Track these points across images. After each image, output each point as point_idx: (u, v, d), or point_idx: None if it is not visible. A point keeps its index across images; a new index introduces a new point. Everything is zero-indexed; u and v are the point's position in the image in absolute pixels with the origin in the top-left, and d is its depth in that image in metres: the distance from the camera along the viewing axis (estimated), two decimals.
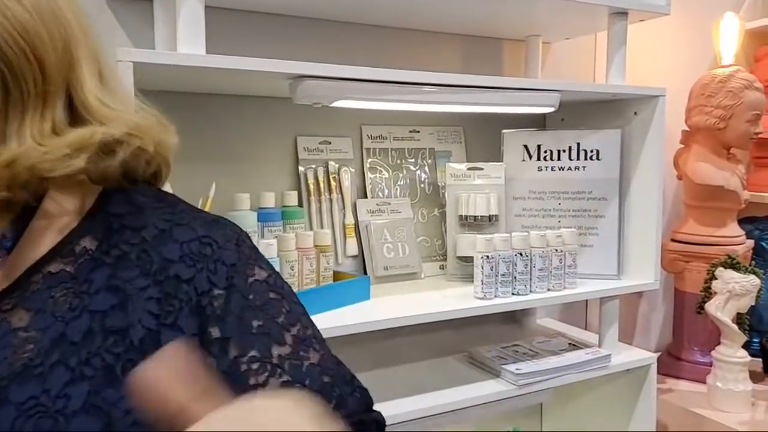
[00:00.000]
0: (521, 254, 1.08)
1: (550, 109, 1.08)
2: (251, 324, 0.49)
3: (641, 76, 1.53)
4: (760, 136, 1.42)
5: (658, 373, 1.28)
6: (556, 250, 1.11)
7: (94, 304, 0.47)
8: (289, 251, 0.99)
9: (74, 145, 0.47)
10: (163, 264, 0.49)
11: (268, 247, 0.93)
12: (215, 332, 0.48)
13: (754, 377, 1.39)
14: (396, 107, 1.03)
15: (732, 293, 1.28)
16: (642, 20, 1.23)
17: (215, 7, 1.07)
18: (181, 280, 0.48)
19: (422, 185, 1.30)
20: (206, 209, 0.94)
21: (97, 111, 0.50)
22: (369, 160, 1.26)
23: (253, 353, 0.48)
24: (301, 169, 1.17)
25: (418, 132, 1.31)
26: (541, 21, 1.23)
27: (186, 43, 0.78)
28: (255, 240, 1.01)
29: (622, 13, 1.15)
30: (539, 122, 1.40)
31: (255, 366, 0.48)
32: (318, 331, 0.54)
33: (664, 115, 1.19)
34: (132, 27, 1.02)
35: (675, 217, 1.63)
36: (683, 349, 1.48)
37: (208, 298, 0.48)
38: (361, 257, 1.21)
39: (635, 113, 1.23)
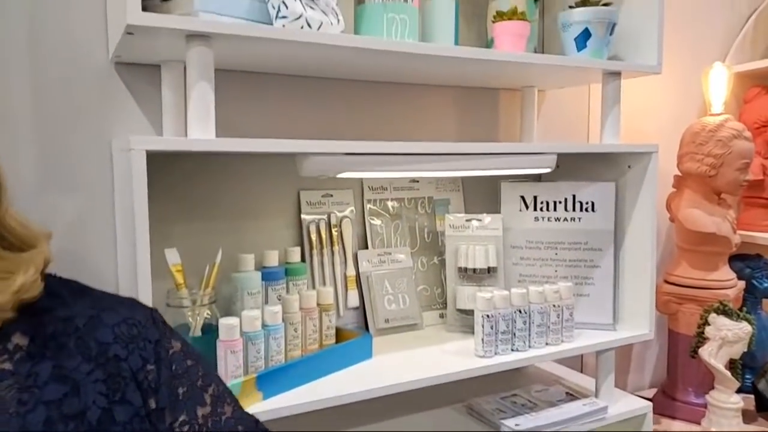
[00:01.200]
0: (520, 311, 1.10)
1: (547, 170, 1.11)
2: (178, 392, 0.59)
3: (633, 122, 1.56)
4: (749, 181, 1.45)
5: (654, 413, 1.31)
6: (554, 305, 1.13)
7: (46, 395, 0.52)
8: (293, 313, 1.01)
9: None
10: (100, 348, 0.56)
11: (273, 314, 0.95)
12: (152, 403, 0.57)
13: (747, 415, 1.42)
14: (396, 175, 1.06)
15: (725, 340, 1.31)
16: (634, 77, 1.26)
17: (224, 70, 1.09)
18: (119, 359, 0.56)
19: (422, 233, 1.33)
20: (213, 275, 0.97)
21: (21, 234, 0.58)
22: (370, 209, 1.28)
23: (182, 418, 0.59)
24: (304, 221, 1.20)
25: (418, 182, 1.34)
26: (536, 76, 1.26)
27: (197, 127, 0.80)
28: (258, 302, 1.04)
29: (616, 73, 1.19)
30: (537, 173, 1.43)
31: (186, 429, 0.58)
32: (225, 385, 0.65)
33: (657, 169, 1.23)
34: (139, 90, 1.05)
35: (668, 257, 1.67)
36: (677, 390, 1.50)
37: (143, 373, 0.57)
38: (362, 309, 1.24)
39: (629, 166, 1.26)
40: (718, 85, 1.50)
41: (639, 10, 1.21)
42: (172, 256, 0.95)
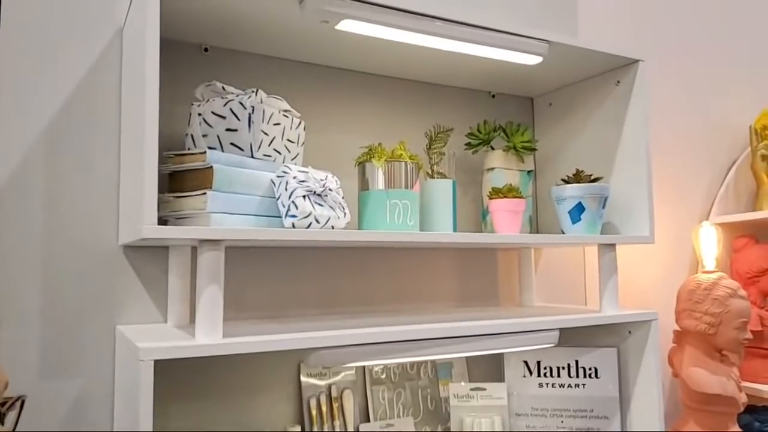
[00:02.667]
0: None
1: (550, 346, 1.11)
2: None
3: (628, 277, 1.59)
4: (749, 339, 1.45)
5: None
6: None
7: None
8: None
9: None
10: None
11: None
12: None
13: None
14: (403, 361, 1.06)
15: None
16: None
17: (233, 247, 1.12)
18: None
19: (425, 401, 1.30)
20: None
21: None
22: (371, 378, 1.26)
23: None
24: (304, 395, 1.17)
25: None
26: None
27: (204, 330, 0.81)
28: None
29: (611, 244, 1.22)
30: None
31: None
32: None
33: (658, 334, 1.23)
34: (145, 273, 1.06)
35: (673, 409, 1.63)
36: None
37: None
38: None
39: (630, 332, 1.27)
40: (708, 243, 1.55)
41: (629, 180, 1.27)
42: None
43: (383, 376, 1.28)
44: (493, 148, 1.31)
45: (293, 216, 0.89)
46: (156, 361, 0.76)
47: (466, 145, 1.33)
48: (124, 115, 1.03)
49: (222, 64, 1.15)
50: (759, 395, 1.60)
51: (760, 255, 1.69)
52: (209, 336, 0.81)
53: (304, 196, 0.90)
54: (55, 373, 0.99)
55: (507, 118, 1.46)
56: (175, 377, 1.07)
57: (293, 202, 0.89)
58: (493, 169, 1.30)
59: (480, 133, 1.31)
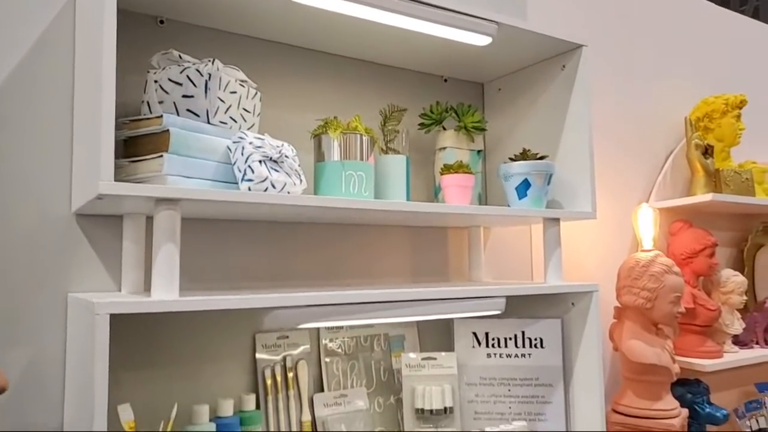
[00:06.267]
0: None
1: (497, 313, 1.16)
2: None
3: (572, 257, 1.67)
4: (682, 313, 1.55)
5: None
6: None
7: None
8: None
9: None
10: None
11: None
12: None
13: None
14: (355, 323, 1.08)
15: None
16: (572, 221, 1.37)
17: (185, 218, 1.13)
18: None
19: (378, 372, 1.34)
20: (168, 429, 0.95)
21: None
22: (325, 349, 1.29)
23: None
24: (259, 365, 1.19)
25: None
26: (482, 220, 1.34)
27: (161, 287, 0.82)
28: None
29: (555, 219, 1.29)
30: None
31: None
32: None
33: (599, 306, 1.30)
34: (99, 242, 1.06)
35: (614, 385, 1.72)
36: None
37: None
38: None
39: (573, 304, 1.33)
40: (646, 224, 1.64)
41: (573, 161, 1.33)
42: (125, 413, 0.92)
43: (337, 348, 1.30)
44: (444, 129, 1.36)
45: (249, 180, 0.91)
46: (112, 326, 0.76)
47: (419, 125, 1.37)
48: (77, 83, 1.02)
49: (178, 37, 1.16)
50: (691, 368, 1.70)
51: (693, 238, 1.80)
52: (166, 293, 0.83)
53: (260, 161, 0.92)
54: (6, 342, 0.98)
55: (459, 102, 1.51)
56: (130, 346, 1.07)
57: (249, 166, 0.91)
58: (444, 148, 1.34)
59: (432, 113, 1.36)
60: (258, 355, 1.20)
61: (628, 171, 1.86)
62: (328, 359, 1.29)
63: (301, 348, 1.25)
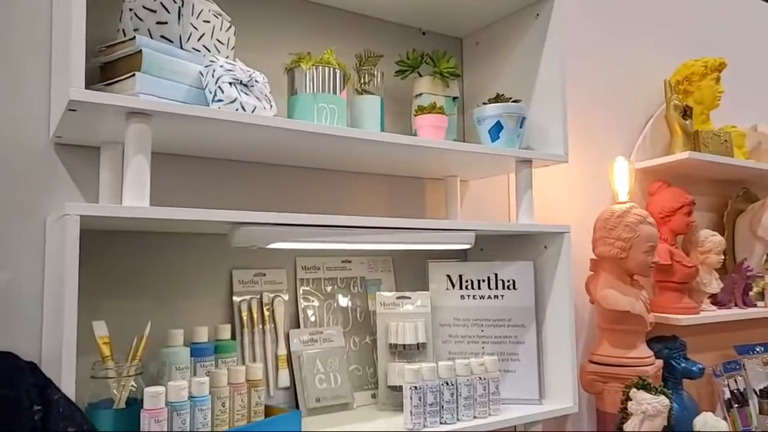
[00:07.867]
0: (447, 383, 1.13)
1: (467, 246, 1.19)
2: (68, 431, 0.69)
3: (551, 212, 1.69)
4: (657, 263, 1.57)
5: None
6: (480, 378, 1.17)
7: None
8: (221, 387, 1.01)
9: None
10: None
11: (200, 385, 0.95)
12: None
13: None
14: (327, 247, 1.11)
15: (645, 414, 1.36)
16: (546, 166, 1.39)
17: (160, 153, 1.15)
18: (7, 399, 0.66)
19: (354, 313, 1.36)
20: (141, 346, 0.97)
21: None
22: (302, 289, 1.31)
23: None
24: (235, 300, 1.22)
25: (350, 262, 1.39)
26: (457, 166, 1.37)
27: (131, 196, 0.85)
28: (187, 377, 1.03)
29: (527, 161, 1.31)
30: (462, 254, 1.51)
31: None
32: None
33: (570, 248, 1.33)
34: (77, 171, 1.08)
35: (592, 338, 1.74)
36: None
37: (30, 413, 0.67)
38: (293, 389, 1.23)
39: (545, 247, 1.36)
40: (622, 177, 1.67)
41: (546, 107, 1.36)
42: (100, 329, 0.95)
43: (314, 289, 1.33)
44: (420, 75, 1.38)
45: (219, 100, 0.94)
46: (86, 247, 0.78)
47: (396, 72, 1.40)
48: (55, 11, 1.04)
49: None
50: (667, 323, 1.73)
51: (671, 197, 1.83)
52: (137, 201, 0.85)
53: (230, 83, 0.95)
54: None
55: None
56: (106, 276, 1.09)
57: (219, 87, 0.94)
58: (420, 94, 1.37)
59: (409, 60, 1.38)
60: (235, 289, 1.22)
61: (609, 129, 1.88)
62: (304, 298, 1.31)
63: (278, 285, 1.27)
